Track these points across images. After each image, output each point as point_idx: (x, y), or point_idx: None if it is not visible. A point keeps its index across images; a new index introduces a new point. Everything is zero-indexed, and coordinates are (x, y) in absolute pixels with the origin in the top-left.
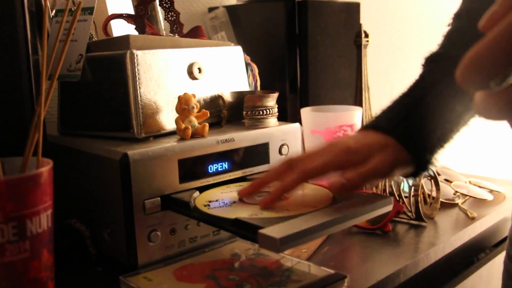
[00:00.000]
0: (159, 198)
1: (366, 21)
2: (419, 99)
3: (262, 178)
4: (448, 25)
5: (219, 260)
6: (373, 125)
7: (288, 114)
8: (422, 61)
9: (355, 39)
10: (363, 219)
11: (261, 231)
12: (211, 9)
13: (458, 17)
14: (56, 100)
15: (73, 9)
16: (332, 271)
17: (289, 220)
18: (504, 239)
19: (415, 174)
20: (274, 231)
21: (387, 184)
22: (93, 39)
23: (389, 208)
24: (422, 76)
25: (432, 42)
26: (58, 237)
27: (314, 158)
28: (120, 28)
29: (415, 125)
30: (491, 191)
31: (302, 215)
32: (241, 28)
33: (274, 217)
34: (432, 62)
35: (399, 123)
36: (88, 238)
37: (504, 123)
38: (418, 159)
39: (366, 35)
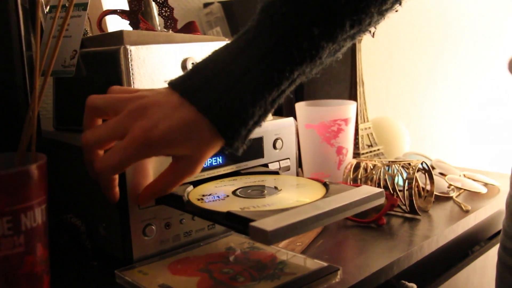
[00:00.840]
0: None
1: None
2: (245, 70)
3: None
4: None
5: (213, 254)
6: (189, 97)
7: (283, 109)
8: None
9: None
10: (355, 212)
11: (252, 223)
12: (206, 5)
13: None
14: (52, 96)
15: (66, 5)
16: (325, 264)
17: (280, 213)
18: (498, 232)
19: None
20: (265, 224)
21: (381, 177)
22: (88, 35)
23: (381, 201)
24: (253, 36)
25: (427, 35)
26: (54, 232)
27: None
28: (116, 24)
29: (235, 105)
30: (485, 184)
31: (294, 208)
32: (236, 23)
33: (267, 210)
34: (266, 17)
35: (218, 101)
36: (84, 233)
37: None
38: (230, 147)
39: None
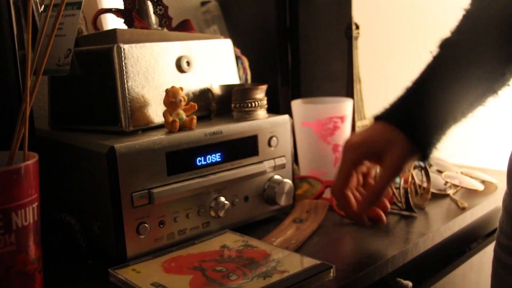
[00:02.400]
0: (147, 191)
1: (359, 13)
2: (425, 88)
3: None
4: (466, 7)
5: (207, 252)
6: (379, 116)
7: (280, 107)
8: (437, 43)
9: (346, 31)
10: None
11: None
12: (203, 3)
13: None
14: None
15: None
16: (318, 261)
17: None
18: (496, 229)
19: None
20: None
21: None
22: (83, 34)
23: None
24: (432, 63)
25: (426, 33)
26: (49, 231)
27: (337, 171)
28: (112, 23)
29: (419, 116)
30: (483, 181)
31: None
32: (233, 21)
33: None
34: (443, 48)
35: (403, 113)
36: (79, 232)
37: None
38: (422, 149)
39: (357, 27)
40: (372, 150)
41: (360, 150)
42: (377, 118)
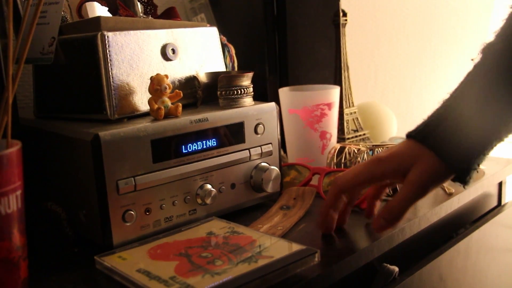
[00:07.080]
0: (132, 178)
1: (347, 0)
2: (463, 101)
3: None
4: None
5: (194, 239)
6: (410, 133)
7: (268, 95)
8: (479, 48)
9: (333, 19)
10: None
11: None
12: None
13: None
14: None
15: None
16: (303, 247)
17: None
18: (483, 216)
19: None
20: None
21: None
22: (68, 22)
23: None
24: (472, 72)
25: (415, 19)
26: (35, 219)
27: (348, 172)
28: (98, 11)
29: (449, 131)
30: None
31: None
32: (220, 10)
33: None
34: (486, 54)
35: (431, 130)
36: (65, 220)
37: None
38: (455, 169)
39: (345, 14)
40: (397, 167)
41: (385, 165)
42: (408, 136)
